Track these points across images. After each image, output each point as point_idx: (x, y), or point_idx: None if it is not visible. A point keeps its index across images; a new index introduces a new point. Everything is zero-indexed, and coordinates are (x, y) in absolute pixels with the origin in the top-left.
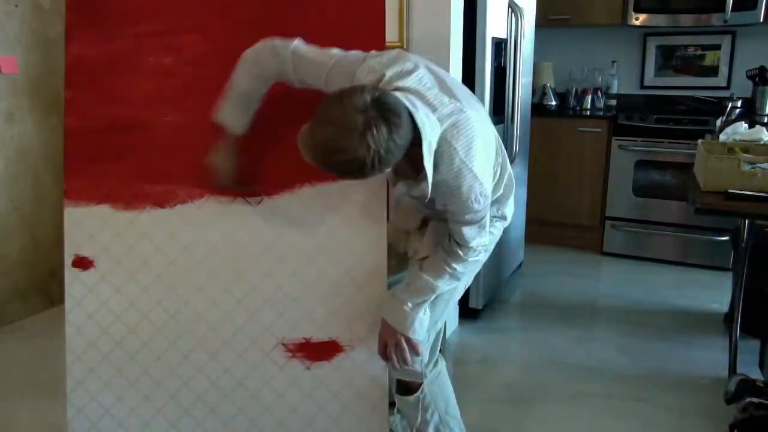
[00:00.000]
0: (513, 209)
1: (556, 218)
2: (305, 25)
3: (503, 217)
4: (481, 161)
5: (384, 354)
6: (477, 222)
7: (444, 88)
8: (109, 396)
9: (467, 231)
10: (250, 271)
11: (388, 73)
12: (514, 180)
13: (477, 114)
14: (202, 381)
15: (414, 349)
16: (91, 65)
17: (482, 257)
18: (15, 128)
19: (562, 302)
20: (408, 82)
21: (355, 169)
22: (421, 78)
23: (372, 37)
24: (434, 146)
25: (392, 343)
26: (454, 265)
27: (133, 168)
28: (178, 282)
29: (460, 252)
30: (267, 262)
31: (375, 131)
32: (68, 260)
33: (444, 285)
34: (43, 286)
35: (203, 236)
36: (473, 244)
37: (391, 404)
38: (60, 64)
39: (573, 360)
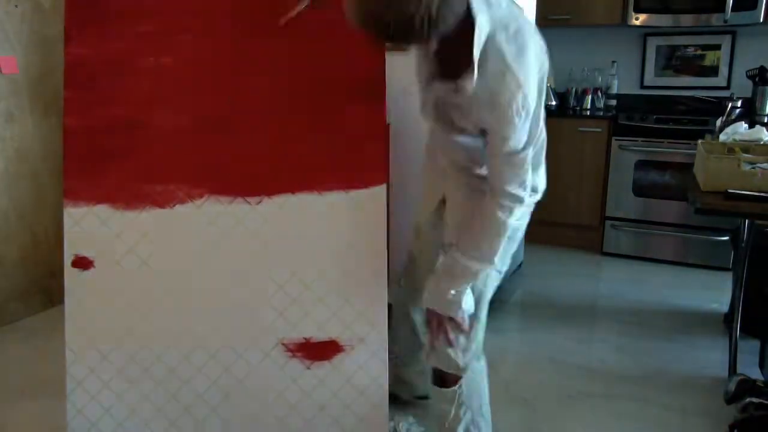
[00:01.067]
0: (545, 182)
1: (556, 218)
2: (306, 23)
3: (534, 190)
4: (529, 72)
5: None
6: (517, 152)
7: None
8: (109, 396)
9: (504, 170)
10: (250, 271)
11: None
12: (545, 144)
13: (533, 27)
14: (202, 381)
15: (458, 328)
16: (91, 65)
17: (519, 222)
18: (15, 128)
19: (562, 302)
20: None
21: (403, 28)
22: None
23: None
24: (483, 39)
25: (435, 322)
26: (493, 232)
27: (133, 168)
28: (178, 282)
29: (499, 211)
30: (267, 262)
31: None
32: (68, 260)
33: (481, 264)
34: (43, 286)
35: (203, 236)
36: (510, 188)
37: (392, 399)
38: (60, 64)
39: (573, 360)
